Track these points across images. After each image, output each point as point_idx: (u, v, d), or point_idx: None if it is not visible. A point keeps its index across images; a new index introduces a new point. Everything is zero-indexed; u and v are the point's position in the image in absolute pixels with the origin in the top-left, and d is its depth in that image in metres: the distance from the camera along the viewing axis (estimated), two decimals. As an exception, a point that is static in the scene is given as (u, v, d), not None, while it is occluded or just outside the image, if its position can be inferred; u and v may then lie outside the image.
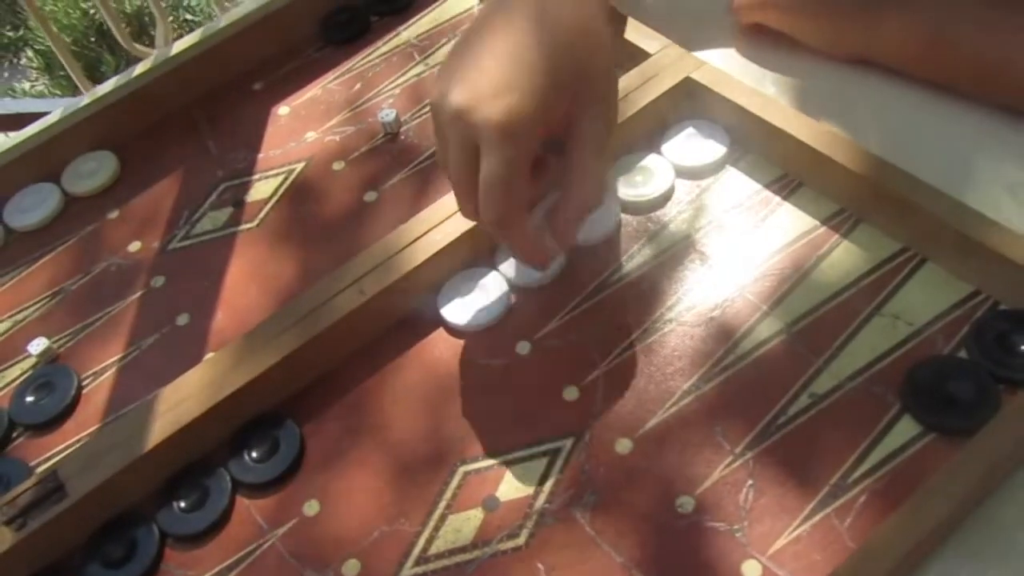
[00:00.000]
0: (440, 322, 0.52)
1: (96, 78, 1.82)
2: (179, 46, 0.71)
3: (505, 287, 0.52)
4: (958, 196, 0.48)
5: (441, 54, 0.67)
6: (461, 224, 0.52)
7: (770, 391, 0.46)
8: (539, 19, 0.44)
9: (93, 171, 0.65)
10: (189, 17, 2.06)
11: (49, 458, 0.51)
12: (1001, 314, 0.47)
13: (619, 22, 0.60)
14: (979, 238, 0.46)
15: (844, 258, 0.50)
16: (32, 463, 0.51)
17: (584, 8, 0.46)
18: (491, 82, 0.43)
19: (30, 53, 2.13)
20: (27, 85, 2.08)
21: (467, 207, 0.46)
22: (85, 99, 0.70)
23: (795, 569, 0.41)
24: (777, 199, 0.54)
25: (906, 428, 0.44)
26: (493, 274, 0.53)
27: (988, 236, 0.46)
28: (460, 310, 0.52)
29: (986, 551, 0.41)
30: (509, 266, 0.53)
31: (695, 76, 0.56)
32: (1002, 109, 0.55)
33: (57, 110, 0.69)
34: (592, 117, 0.45)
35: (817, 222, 0.52)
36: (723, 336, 0.49)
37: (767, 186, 0.54)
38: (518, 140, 0.43)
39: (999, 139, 0.55)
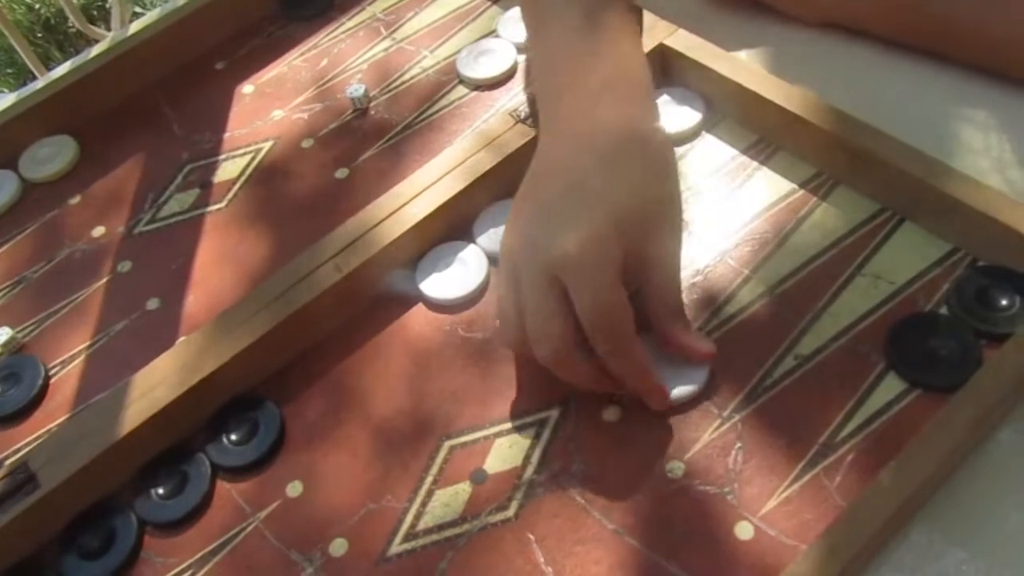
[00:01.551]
0: (419, 297, 0.51)
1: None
2: (135, 27, 0.69)
3: (484, 260, 0.52)
4: (933, 156, 0.48)
5: (409, 27, 0.66)
6: (437, 197, 0.52)
7: (756, 354, 0.46)
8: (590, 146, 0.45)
9: (51, 156, 0.63)
10: (138, 9, 2.02)
11: (18, 450, 0.49)
12: (980, 270, 0.47)
13: None
14: (955, 195, 0.47)
15: (823, 220, 0.50)
16: (0, 456, 0.49)
17: (630, 114, 0.46)
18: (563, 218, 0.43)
19: (-29, 51, 2.07)
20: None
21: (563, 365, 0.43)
22: (40, 83, 0.67)
23: (787, 528, 0.41)
24: (755, 164, 0.54)
25: (891, 386, 0.44)
26: (471, 247, 0.52)
27: (964, 193, 0.47)
28: (439, 284, 0.51)
29: (973, 502, 0.41)
30: (486, 239, 0.52)
31: (669, 43, 0.55)
32: (975, 70, 0.56)
33: (11, 95, 0.66)
34: (660, 230, 0.44)
35: (795, 186, 0.52)
36: (707, 302, 0.48)
37: (744, 151, 0.54)
38: (605, 263, 0.41)
39: (972, 100, 0.55)
